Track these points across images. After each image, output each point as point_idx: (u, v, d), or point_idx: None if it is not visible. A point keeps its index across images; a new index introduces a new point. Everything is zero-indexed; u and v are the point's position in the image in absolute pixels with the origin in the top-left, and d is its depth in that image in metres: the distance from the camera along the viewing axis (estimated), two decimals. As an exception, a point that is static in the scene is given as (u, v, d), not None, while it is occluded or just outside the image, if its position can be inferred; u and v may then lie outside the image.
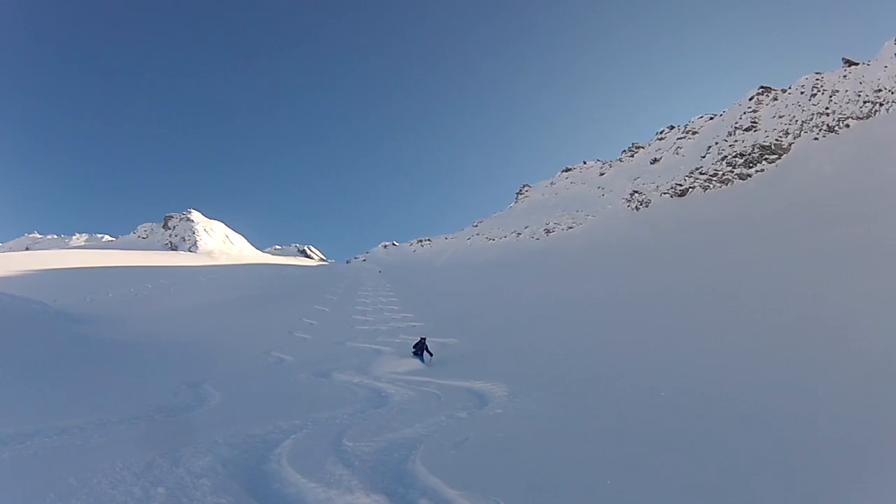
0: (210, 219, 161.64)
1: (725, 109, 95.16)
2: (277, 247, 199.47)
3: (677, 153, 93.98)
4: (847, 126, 69.57)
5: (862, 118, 69.12)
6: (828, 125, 72.21)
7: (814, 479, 5.75)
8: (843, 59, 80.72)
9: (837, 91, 74.77)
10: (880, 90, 69.55)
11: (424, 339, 19.39)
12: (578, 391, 11.17)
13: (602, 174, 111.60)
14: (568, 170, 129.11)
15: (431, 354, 18.98)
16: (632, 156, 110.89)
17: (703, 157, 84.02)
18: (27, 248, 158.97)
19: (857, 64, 78.15)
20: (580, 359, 14.84)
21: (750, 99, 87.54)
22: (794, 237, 33.58)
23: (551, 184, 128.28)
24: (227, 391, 13.51)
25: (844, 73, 77.16)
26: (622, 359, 14.03)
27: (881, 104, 68.50)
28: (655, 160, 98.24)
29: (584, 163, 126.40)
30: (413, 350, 19.20)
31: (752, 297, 20.21)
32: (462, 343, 20.82)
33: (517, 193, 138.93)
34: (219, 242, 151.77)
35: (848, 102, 72.08)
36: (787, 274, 23.74)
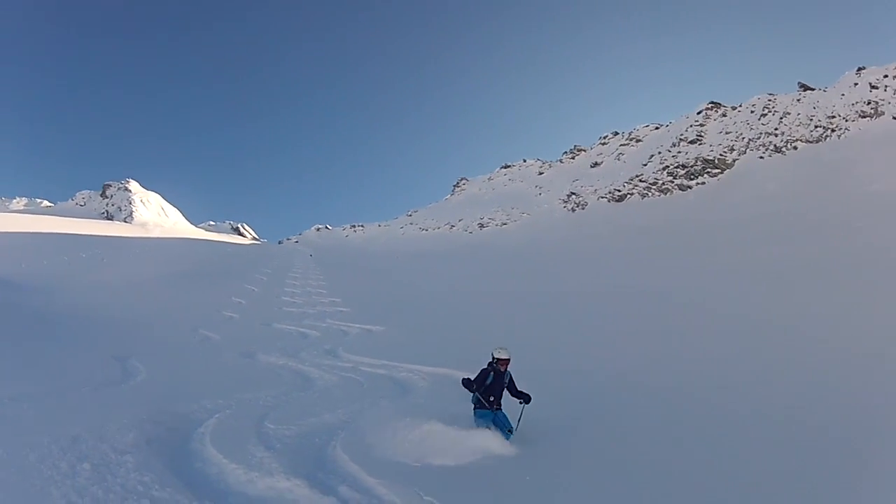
0: (148, 189, 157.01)
1: (672, 121, 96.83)
2: (211, 223, 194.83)
3: (619, 159, 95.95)
4: (795, 148, 71.69)
5: (812, 142, 71.08)
6: (775, 145, 74.32)
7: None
8: (799, 83, 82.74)
9: (789, 113, 76.86)
10: (834, 116, 71.49)
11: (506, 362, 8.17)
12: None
13: (541, 173, 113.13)
14: (507, 166, 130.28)
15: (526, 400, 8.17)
16: (573, 158, 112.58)
17: (645, 164, 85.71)
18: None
19: (812, 89, 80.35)
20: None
21: (698, 112, 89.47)
22: (729, 251, 34.16)
23: (489, 179, 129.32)
24: (153, 367, 13.57)
25: (798, 97, 79.32)
26: (548, 356, 14.23)
27: (833, 130, 70.31)
28: (596, 164, 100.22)
29: (524, 161, 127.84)
30: (478, 399, 8.11)
31: (686, 300, 21.15)
32: (389, 331, 20.80)
33: (454, 186, 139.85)
34: (154, 214, 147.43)
35: (799, 125, 74.18)
36: (722, 284, 24.37)
